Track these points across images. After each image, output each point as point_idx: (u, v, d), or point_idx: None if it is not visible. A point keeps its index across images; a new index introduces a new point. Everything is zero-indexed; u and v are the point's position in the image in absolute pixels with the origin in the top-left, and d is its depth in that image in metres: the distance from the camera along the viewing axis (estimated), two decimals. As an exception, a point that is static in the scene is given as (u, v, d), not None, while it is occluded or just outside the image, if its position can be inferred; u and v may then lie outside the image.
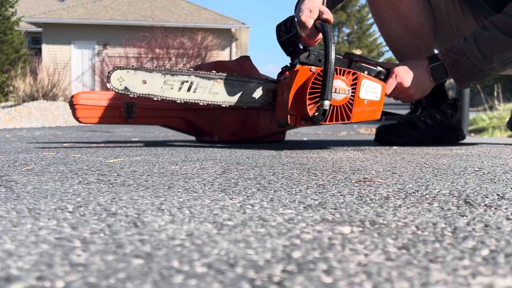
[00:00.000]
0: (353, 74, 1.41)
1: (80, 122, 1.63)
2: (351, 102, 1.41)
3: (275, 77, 1.60)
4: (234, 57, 14.23)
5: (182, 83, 1.45)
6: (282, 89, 1.45)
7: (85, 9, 14.84)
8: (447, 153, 1.40)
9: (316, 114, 1.35)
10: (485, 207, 0.58)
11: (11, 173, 0.87)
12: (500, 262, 0.37)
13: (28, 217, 0.51)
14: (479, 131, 5.03)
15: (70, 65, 13.03)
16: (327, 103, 1.33)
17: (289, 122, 1.40)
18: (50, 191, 0.67)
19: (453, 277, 0.33)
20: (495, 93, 7.14)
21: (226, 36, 14.30)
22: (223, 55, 13.94)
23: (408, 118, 1.77)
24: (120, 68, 1.43)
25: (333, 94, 1.37)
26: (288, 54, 1.48)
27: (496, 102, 7.03)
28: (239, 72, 1.81)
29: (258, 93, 1.52)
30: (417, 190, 0.70)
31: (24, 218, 0.50)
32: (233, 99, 1.50)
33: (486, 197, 0.65)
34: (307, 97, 1.36)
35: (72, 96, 1.64)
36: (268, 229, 0.46)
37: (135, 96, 1.42)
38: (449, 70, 1.51)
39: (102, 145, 1.72)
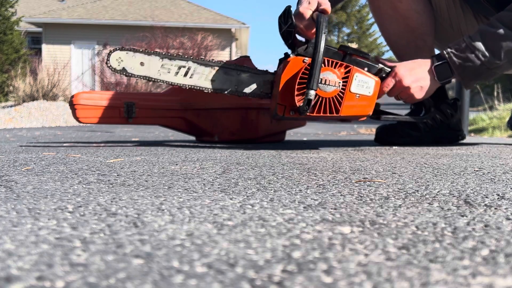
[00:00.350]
0: (346, 67, 1.39)
1: (80, 122, 1.63)
2: (341, 95, 1.38)
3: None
4: (234, 57, 14.23)
5: (179, 68, 1.46)
6: (277, 79, 1.45)
7: (85, 9, 14.84)
8: (447, 153, 1.40)
9: (302, 104, 1.34)
10: (485, 207, 0.58)
11: (11, 173, 0.87)
12: (500, 262, 0.37)
13: (28, 217, 0.51)
14: (479, 131, 5.03)
15: (70, 65, 13.03)
16: (312, 93, 1.31)
17: (277, 112, 1.38)
18: (50, 191, 0.67)
19: (453, 277, 0.33)
20: (495, 93, 7.13)
21: (226, 36, 14.29)
22: (223, 55, 13.93)
23: (410, 120, 1.76)
24: (120, 49, 1.45)
25: (322, 85, 1.35)
26: (288, 46, 1.46)
27: (496, 102, 7.03)
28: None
29: (255, 83, 1.51)
30: (417, 190, 0.70)
31: (24, 218, 0.50)
32: (230, 88, 1.49)
33: (486, 197, 0.65)
34: (296, 87, 1.35)
35: (72, 96, 1.64)
36: (268, 229, 0.46)
37: (132, 76, 1.44)
38: (455, 69, 1.46)
39: (102, 145, 1.72)
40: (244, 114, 1.81)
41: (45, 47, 14.23)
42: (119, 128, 3.58)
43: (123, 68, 1.43)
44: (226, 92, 1.49)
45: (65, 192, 0.67)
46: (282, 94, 1.38)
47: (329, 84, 1.37)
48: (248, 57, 1.88)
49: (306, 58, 1.37)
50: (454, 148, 1.62)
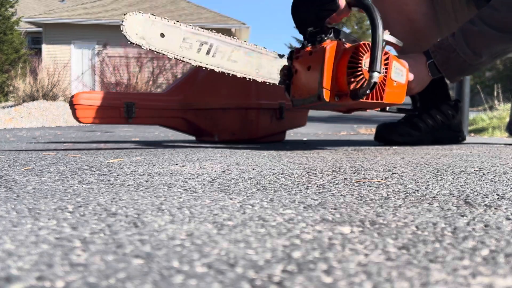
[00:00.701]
0: (385, 53, 1.36)
1: (80, 122, 1.63)
2: (384, 82, 1.36)
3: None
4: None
5: (202, 44, 1.32)
6: (306, 64, 1.38)
7: (85, 9, 14.85)
8: (447, 153, 1.40)
9: (362, 87, 1.29)
10: (485, 207, 0.58)
11: (11, 173, 0.87)
12: (500, 262, 0.37)
13: (28, 217, 0.51)
14: (479, 131, 5.03)
15: (70, 65, 13.03)
16: (376, 75, 1.27)
17: (324, 97, 1.32)
18: (50, 191, 0.67)
19: (453, 277, 0.33)
20: (495, 93, 7.14)
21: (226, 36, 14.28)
22: (223, 55, 13.93)
23: (407, 112, 1.77)
24: (137, 13, 1.21)
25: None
26: (302, 32, 1.41)
27: (496, 102, 7.04)
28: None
29: (274, 68, 1.43)
30: (417, 190, 0.70)
31: (24, 218, 0.50)
32: (251, 71, 1.40)
33: (486, 197, 0.65)
34: (347, 71, 1.30)
35: (72, 96, 1.64)
36: (268, 229, 0.46)
37: (150, 49, 1.25)
38: (439, 66, 1.53)
39: (102, 145, 1.72)
40: (244, 114, 1.81)
41: (45, 47, 14.24)
42: (119, 128, 3.58)
43: (142, 37, 1.22)
44: (247, 76, 1.39)
45: (65, 192, 0.67)
46: (327, 79, 1.32)
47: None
48: (248, 57, 1.87)
49: (345, 43, 1.34)
50: (454, 148, 1.62)
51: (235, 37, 1.40)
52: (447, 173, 0.91)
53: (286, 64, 1.44)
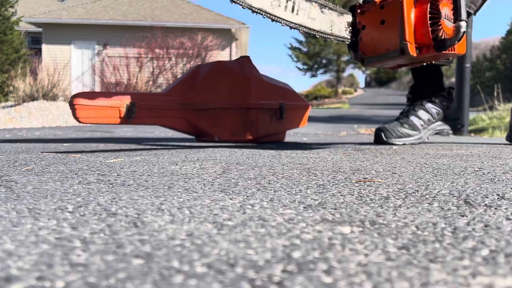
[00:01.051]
0: (452, 2, 1.34)
1: (80, 122, 1.63)
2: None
3: (275, 77, 1.57)
4: (234, 57, 14.22)
5: (287, 1, 1.37)
6: (378, 19, 1.35)
7: (85, 9, 14.85)
8: (447, 153, 1.40)
9: (447, 38, 1.27)
10: (485, 207, 0.58)
11: (11, 173, 0.87)
12: (500, 262, 0.37)
13: (28, 217, 0.51)
14: (479, 131, 5.03)
15: (70, 65, 13.04)
16: (464, 24, 1.25)
17: (409, 50, 1.30)
18: (50, 191, 0.67)
19: (453, 277, 0.33)
20: (495, 93, 7.13)
21: (226, 36, 14.28)
22: (223, 55, 13.93)
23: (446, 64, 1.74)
24: None
25: (446, 21, 1.29)
26: None
27: (496, 102, 7.03)
28: (239, 72, 1.81)
29: (342, 25, 1.43)
30: (417, 190, 0.70)
31: (24, 218, 0.50)
32: (326, 29, 1.42)
33: (486, 197, 0.65)
34: (429, 22, 1.28)
35: (72, 96, 1.64)
36: (268, 229, 0.46)
37: (249, 8, 1.28)
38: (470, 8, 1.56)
39: (102, 145, 1.72)
40: (244, 114, 1.81)
41: (45, 47, 14.23)
42: (119, 128, 3.58)
43: None
44: (324, 35, 1.40)
45: (65, 192, 0.67)
46: (409, 32, 1.29)
47: (450, 20, 1.32)
48: (248, 57, 1.88)
49: None
50: (454, 148, 1.62)
51: None
52: (447, 173, 0.91)
53: (350, 20, 1.43)
